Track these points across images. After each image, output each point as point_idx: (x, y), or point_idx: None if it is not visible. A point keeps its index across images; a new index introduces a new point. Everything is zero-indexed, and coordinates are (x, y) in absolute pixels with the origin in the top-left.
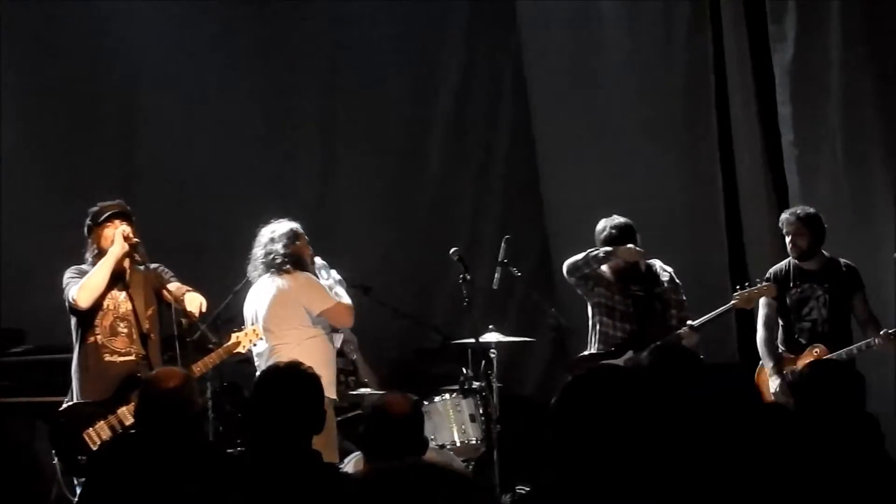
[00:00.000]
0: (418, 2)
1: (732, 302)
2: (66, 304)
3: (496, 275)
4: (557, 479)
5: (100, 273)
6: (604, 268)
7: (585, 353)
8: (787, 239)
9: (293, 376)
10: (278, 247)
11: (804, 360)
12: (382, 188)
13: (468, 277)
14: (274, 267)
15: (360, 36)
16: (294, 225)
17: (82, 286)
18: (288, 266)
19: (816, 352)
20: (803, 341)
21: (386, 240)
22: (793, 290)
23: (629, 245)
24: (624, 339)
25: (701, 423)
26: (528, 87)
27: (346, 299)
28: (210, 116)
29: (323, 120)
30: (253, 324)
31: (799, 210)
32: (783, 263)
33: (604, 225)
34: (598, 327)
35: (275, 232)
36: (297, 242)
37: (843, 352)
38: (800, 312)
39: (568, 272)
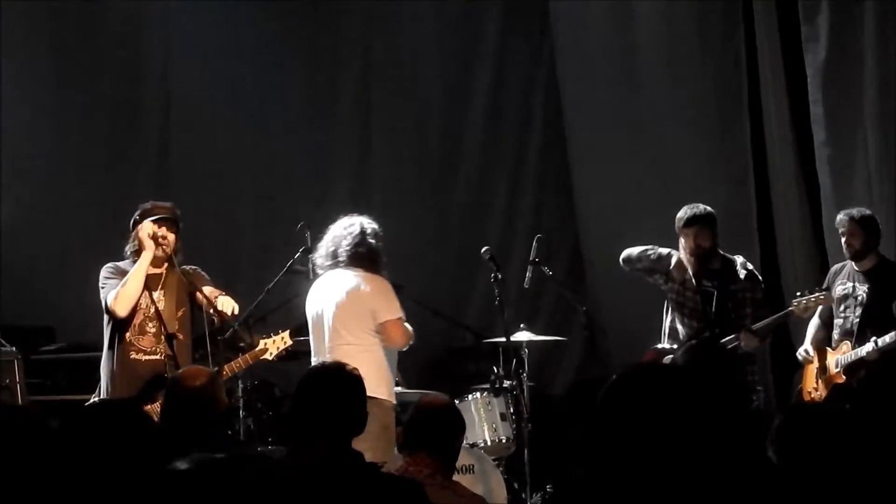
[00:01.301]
0: (452, 6)
1: (790, 308)
2: (103, 303)
3: (527, 274)
4: (592, 473)
5: (133, 282)
6: (674, 261)
7: (657, 345)
8: (843, 239)
9: (337, 376)
10: (357, 242)
11: (835, 356)
12: (415, 187)
13: (500, 277)
14: (349, 262)
15: (394, 35)
16: (373, 223)
17: (119, 297)
18: (365, 263)
19: (844, 348)
20: (836, 336)
21: (419, 239)
22: (838, 287)
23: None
24: (689, 337)
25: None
26: (560, 87)
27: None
28: (244, 116)
29: (357, 119)
30: (317, 320)
31: (854, 211)
32: (841, 263)
33: (684, 212)
34: (667, 321)
35: (352, 226)
36: (377, 242)
37: (851, 353)
38: (838, 309)
39: (623, 261)
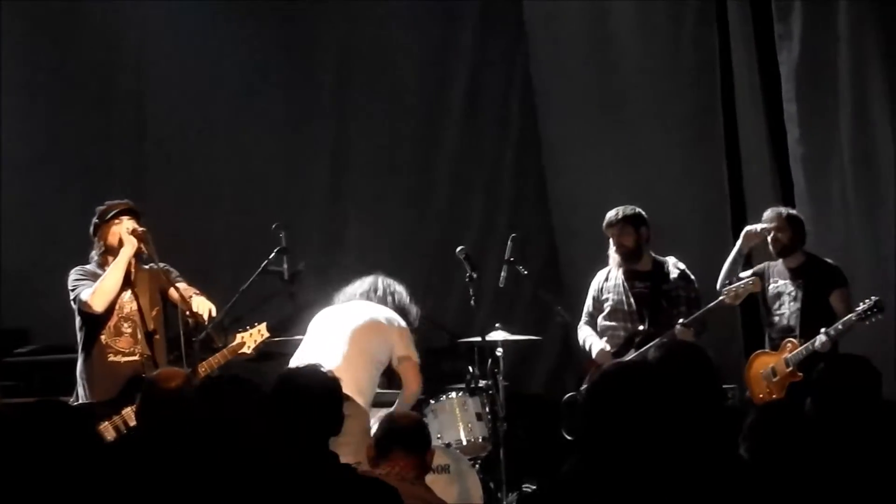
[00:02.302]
0: (427, 6)
1: (721, 297)
2: (74, 305)
3: (502, 273)
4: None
5: (113, 275)
6: (611, 263)
7: (601, 350)
8: (769, 236)
9: (313, 378)
10: (403, 295)
11: (780, 356)
12: (393, 187)
13: (475, 276)
14: (388, 302)
15: (370, 36)
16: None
17: (97, 290)
18: (400, 312)
19: (789, 346)
20: (773, 335)
21: (394, 238)
22: (770, 286)
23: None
24: (627, 339)
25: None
26: (534, 86)
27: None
28: (220, 116)
29: (333, 120)
30: (336, 327)
31: (782, 208)
32: (765, 263)
33: (609, 214)
34: (603, 325)
35: (400, 287)
36: (411, 310)
37: (802, 348)
38: (772, 308)
39: None
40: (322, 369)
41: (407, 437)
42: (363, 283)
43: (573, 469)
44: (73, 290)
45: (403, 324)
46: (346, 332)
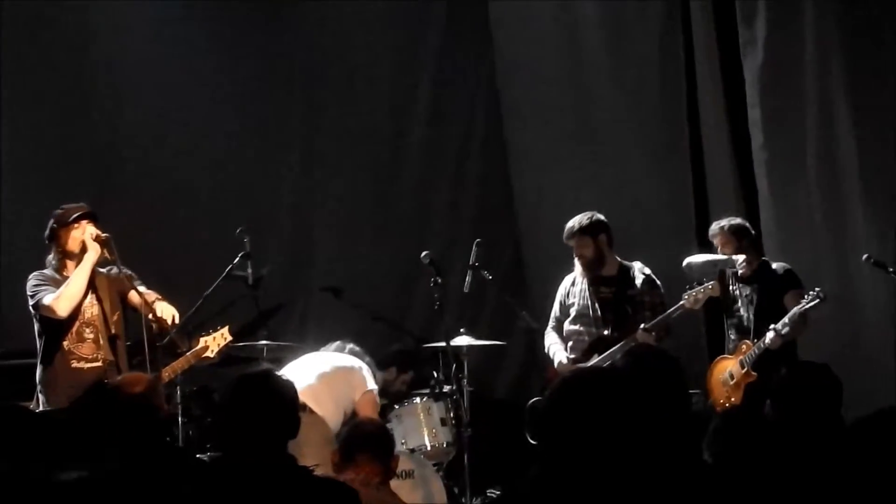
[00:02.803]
0: (394, 8)
1: (681, 302)
2: (34, 311)
3: (468, 279)
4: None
5: (78, 281)
6: (576, 269)
7: (561, 360)
8: (717, 250)
9: (265, 381)
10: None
11: (736, 359)
12: (357, 192)
13: (440, 281)
14: (352, 353)
15: (338, 40)
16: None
17: (62, 296)
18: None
19: (743, 348)
20: (732, 336)
21: (359, 243)
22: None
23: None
24: (591, 343)
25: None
26: (500, 91)
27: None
28: (184, 120)
29: (300, 125)
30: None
31: (724, 222)
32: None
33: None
34: (569, 330)
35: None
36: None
37: (754, 348)
38: (731, 311)
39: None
40: (276, 372)
41: (371, 443)
42: (331, 345)
43: (537, 475)
44: (32, 296)
45: (367, 366)
46: (314, 374)
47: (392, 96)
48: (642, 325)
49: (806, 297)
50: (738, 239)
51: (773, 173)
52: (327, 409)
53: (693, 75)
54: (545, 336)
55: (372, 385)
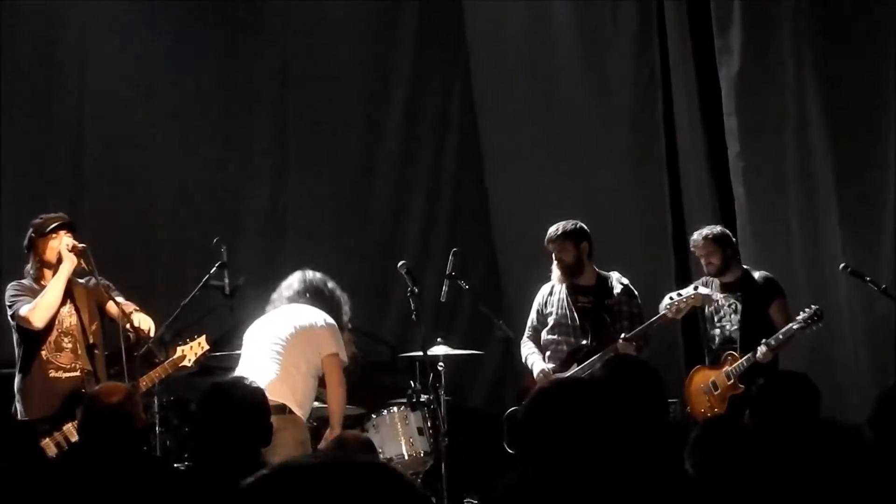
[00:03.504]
0: (367, 10)
1: (662, 312)
2: (12, 321)
3: (444, 288)
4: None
5: (53, 292)
6: (553, 278)
7: (539, 370)
8: (701, 260)
9: (237, 392)
10: (331, 289)
11: (721, 370)
12: (332, 201)
13: (416, 290)
14: (314, 301)
15: (311, 44)
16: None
17: (37, 306)
18: (328, 308)
19: (729, 359)
20: (714, 346)
21: (335, 252)
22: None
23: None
24: (570, 353)
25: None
26: (474, 96)
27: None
28: (161, 123)
29: (274, 129)
30: (266, 336)
31: (706, 230)
32: (704, 278)
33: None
34: (546, 339)
35: (325, 279)
36: (340, 302)
37: (743, 360)
38: (713, 321)
39: None
40: (246, 381)
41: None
42: (291, 285)
43: (514, 484)
44: (10, 307)
45: (331, 321)
46: (279, 344)
47: (366, 102)
48: (623, 335)
49: (802, 313)
50: (722, 248)
51: (750, 181)
52: (300, 369)
53: (668, 82)
54: (522, 345)
55: (334, 348)
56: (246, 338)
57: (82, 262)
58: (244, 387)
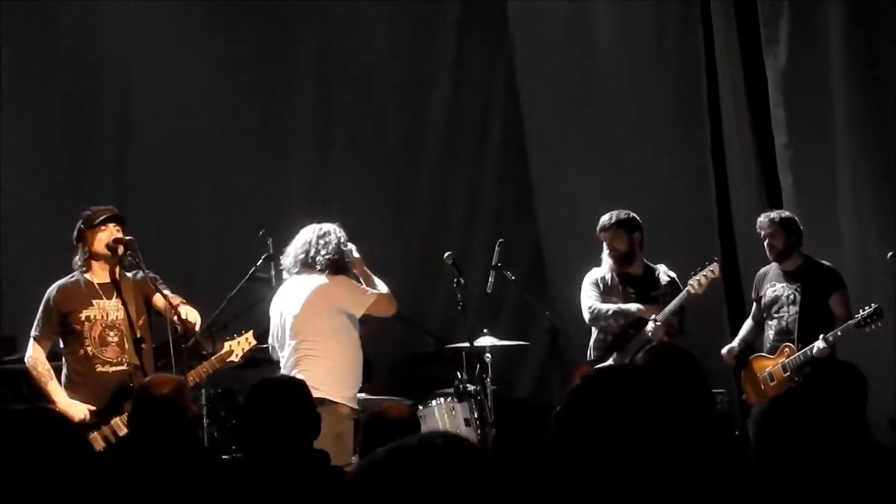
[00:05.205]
0: (411, 7)
1: (686, 289)
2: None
3: (490, 279)
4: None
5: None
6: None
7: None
8: (765, 242)
9: (281, 388)
10: (334, 250)
11: (777, 361)
12: (377, 193)
13: (462, 282)
14: (324, 268)
15: (351, 41)
16: (340, 231)
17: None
18: (337, 269)
19: (786, 351)
20: (772, 337)
21: (380, 245)
22: (767, 289)
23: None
24: (611, 342)
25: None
26: (518, 91)
27: (383, 287)
28: (203, 121)
29: (317, 125)
30: (280, 325)
31: (774, 213)
32: (764, 268)
33: (603, 217)
34: (593, 332)
35: (328, 234)
36: (342, 247)
37: (799, 354)
38: (770, 311)
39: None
40: (287, 379)
41: (398, 433)
42: (296, 252)
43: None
44: (35, 323)
45: (338, 280)
46: (301, 329)
47: (407, 97)
48: (652, 317)
49: (861, 311)
50: (786, 232)
51: (797, 171)
52: (339, 356)
53: (714, 75)
54: (592, 310)
55: (362, 306)
56: (272, 313)
57: (129, 254)
58: (288, 382)
